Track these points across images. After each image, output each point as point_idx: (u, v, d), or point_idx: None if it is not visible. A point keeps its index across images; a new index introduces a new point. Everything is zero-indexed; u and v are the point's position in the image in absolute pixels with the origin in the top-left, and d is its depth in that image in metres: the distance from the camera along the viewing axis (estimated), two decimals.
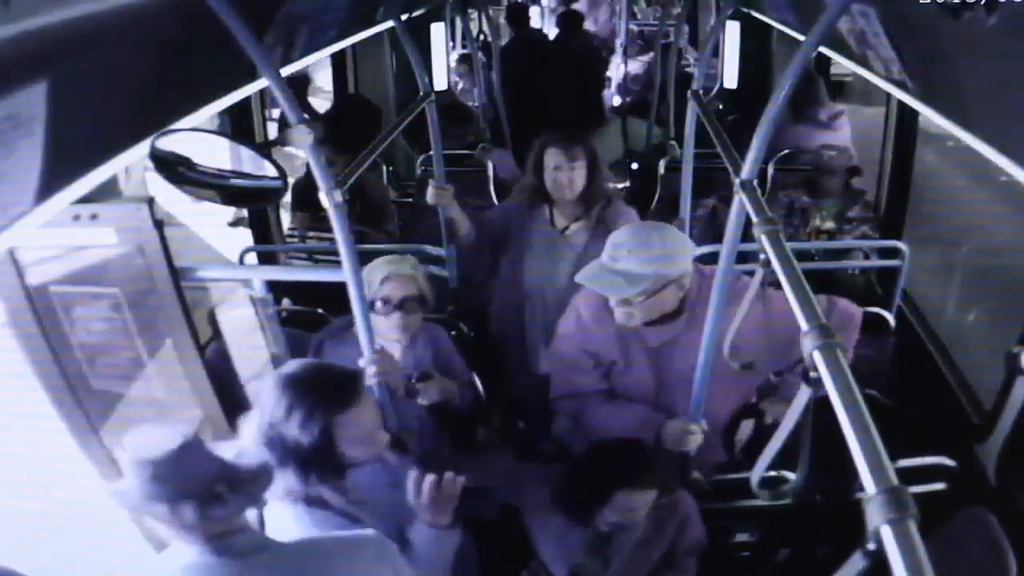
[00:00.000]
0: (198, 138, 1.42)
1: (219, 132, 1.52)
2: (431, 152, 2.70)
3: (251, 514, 1.34)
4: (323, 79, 8.46)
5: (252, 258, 3.16)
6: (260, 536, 1.30)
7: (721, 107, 4.83)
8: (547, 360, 2.23)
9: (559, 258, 2.67)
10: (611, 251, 1.90)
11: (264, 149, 1.49)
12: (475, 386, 2.43)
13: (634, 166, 4.85)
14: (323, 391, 1.52)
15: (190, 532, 1.19)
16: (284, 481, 1.48)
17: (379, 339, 2.26)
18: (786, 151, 3.93)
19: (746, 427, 2.15)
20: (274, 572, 1.24)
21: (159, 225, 1.82)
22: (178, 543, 1.23)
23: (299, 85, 5.23)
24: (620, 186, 5.28)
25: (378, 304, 2.15)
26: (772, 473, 1.45)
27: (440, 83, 5.02)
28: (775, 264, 1.19)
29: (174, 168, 1.42)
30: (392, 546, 1.45)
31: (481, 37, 5.44)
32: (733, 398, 2.10)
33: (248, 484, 1.22)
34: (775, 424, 2.14)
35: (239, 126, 3.29)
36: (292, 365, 1.57)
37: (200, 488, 1.16)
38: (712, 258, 2.28)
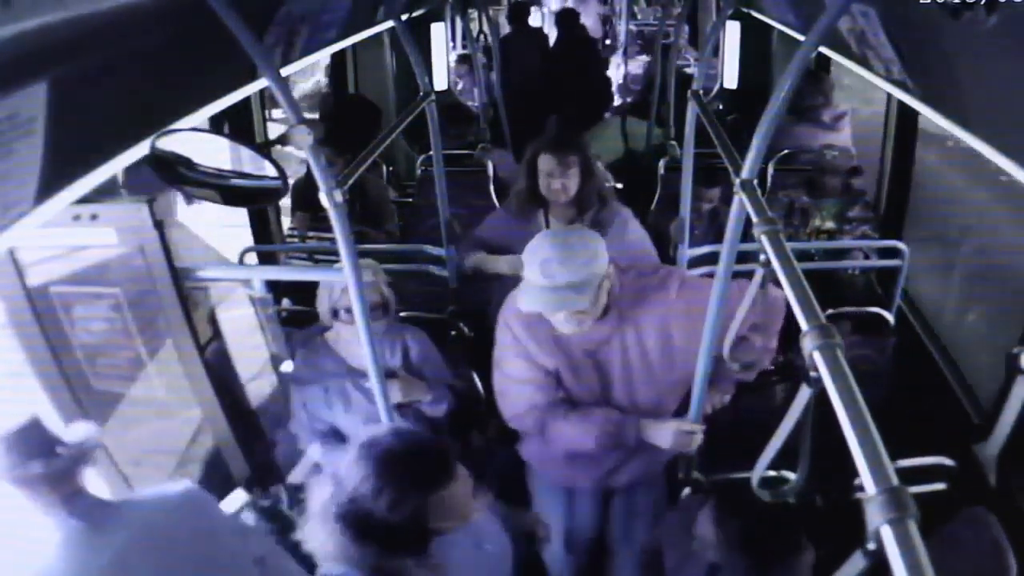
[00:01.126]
0: (198, 138, 1.42)
1: (219, 132, 1.52)
2: (431, 152, 2.70)
3: None
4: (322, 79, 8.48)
5: (252, 258, 3.16)
6: (107, 502, 1.53)
7: (721, 107, 4.83)
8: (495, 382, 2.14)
9: None
10: (540, 270, 1.82)
11: (264, 149, 1.49)
12: (457, 389, 2.42)
13: (634, 166, 4.85)
14: (418, 472, 1.42)
15: (44, 495, 1.42)
16: (359, 551, 1.41)
17: (342, 342, 2.27)
18: (786, 151, 3.93)
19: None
20: (126, 532, 1.49)
21: (159, 225, 1.82)
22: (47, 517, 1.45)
23: None
24: (618, 185, 5.29)
25: (342, 313, 2.16)
26: (772, 473, 1.45)
27: (440, 83, 5.02)
28: (775, 264, 1.19)
29: (174, 168, 1.42)
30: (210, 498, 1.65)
31: (481, 37, 5.45)
32: (674, 391, 2.09)
33: (76, 447, 1.46)
34: (716, 414, 2.17)
35: (239, 126, 3.29)
36: (381, 439, 1.44)
37: (39, 451, 1.41)
38: (712, 258, 2.28)
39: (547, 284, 1.83)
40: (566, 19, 6.49)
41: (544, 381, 2.04)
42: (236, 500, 2.20)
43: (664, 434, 1.97)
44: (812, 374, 0.99)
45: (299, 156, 4.16)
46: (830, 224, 3.29)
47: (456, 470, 1.46)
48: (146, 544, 1.51)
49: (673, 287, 1.97)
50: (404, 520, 1.39)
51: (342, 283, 2.10)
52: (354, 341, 2.19)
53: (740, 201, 1.42)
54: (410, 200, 4.16)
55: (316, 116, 4.64)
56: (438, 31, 4.94)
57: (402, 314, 2.87)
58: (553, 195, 2.63)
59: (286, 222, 3.65)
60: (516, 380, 2.06)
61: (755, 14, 3.37)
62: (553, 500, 2.30)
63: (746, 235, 1.41)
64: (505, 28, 6.86)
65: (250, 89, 1.74)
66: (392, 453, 1.42)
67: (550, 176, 2.60)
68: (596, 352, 2.01)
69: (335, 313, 2.19)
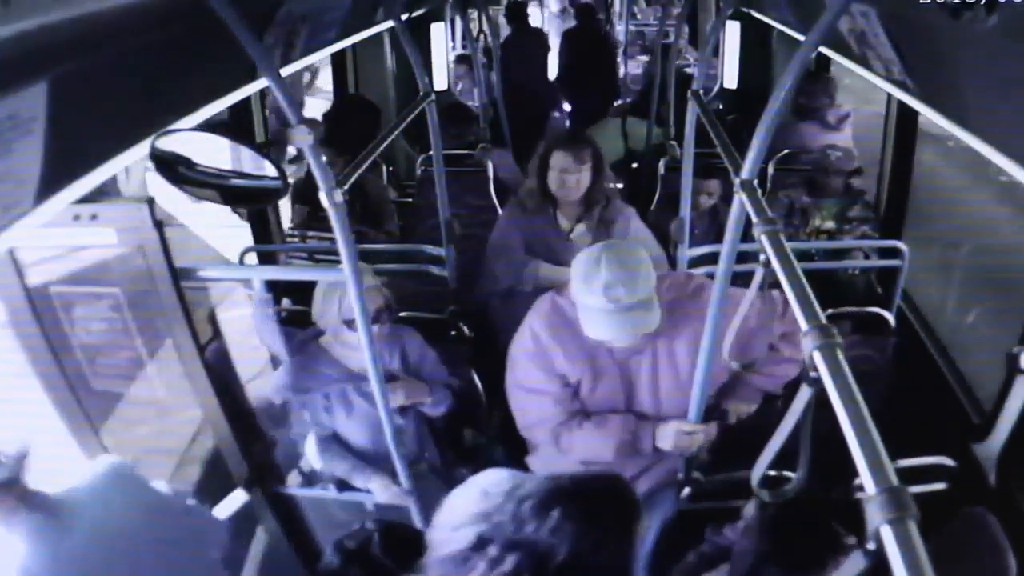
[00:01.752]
0: (198, 138, 1.42)
1: (219, 132, 1.52)
2: (431, 152, 2.70)
3: None
4: (323, 79, 8.49)
5: (252, 258, 3.16)
6: (54, 495, 1.69)
7: (721, 107, 4.83)
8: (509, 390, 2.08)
9: (566, 261, 2.65)
10: (606, 296, 1.75)
11: (264, 149, 1.49)
12: (454, 387, 2.42)
13: (634, 166, 4.85)
14: (626, 513, 1.26)
15: (2, 501, 1.57)
16: None
17: (338, 346, 2.26)
18: (786, 151, 3.93)
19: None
20: (86, 513, 1.68)
21: (159, 225, 1.82)
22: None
23: None
24: (619, 186, 5.29)
25: (353, 324, 2.13)
26: (772, 473, 1.45)
27: (440, 83, 5.02)
28: (775, 264, 1.19)
29: (174, 168, 1.42)
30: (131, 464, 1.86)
31: (481, 37, 5.45)
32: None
33: (14, 454, 1.61)
34: (741, 424, 2.17)
35: (239, 126, 3.29)
36: (568, 488, 1.22)
37: None
38: (712, 258, 2.28)
39: (613, 308, 1.77)
40: (584, 12, 6.84)
41: (562, 394, 1.99)
42: (236, 500, 2.21)
43: (666, 435, 1.97)
44: (812, 374, 0.99)
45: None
46: (830, 224, 3.29)
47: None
48: (108, 518, 1.72)
49: (706, 298, 1.96)
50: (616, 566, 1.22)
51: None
52: (352, 345, 2.18)
53: (740, 201, 1.42)
54: (410, 200, 4.16)
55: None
56: (438, 31, 4.94)
57: (402, 314, 2.87)
58: (564, 192, 2.65)
59: (286, 220, 3.65)
60: (532, 391, 2.01)
61: (755, 14, 3.37)
62: None
63: (746, 235, 1.40)
64: (504, 29, 6.88)
65: (250, 89, 1.74)
66: (596, 502, 1.24)
67: (564, 172, 2.61)
68: (627, 361, 1.99)
69: (348, 323, 2.14)
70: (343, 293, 2.09)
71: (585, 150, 2.63)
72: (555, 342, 1.96)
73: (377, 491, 2.22)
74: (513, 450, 2.64)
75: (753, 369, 2.06)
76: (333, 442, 2.30)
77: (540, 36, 6.79)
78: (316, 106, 7.72)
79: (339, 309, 2.14)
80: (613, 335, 1.83)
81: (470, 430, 2.61)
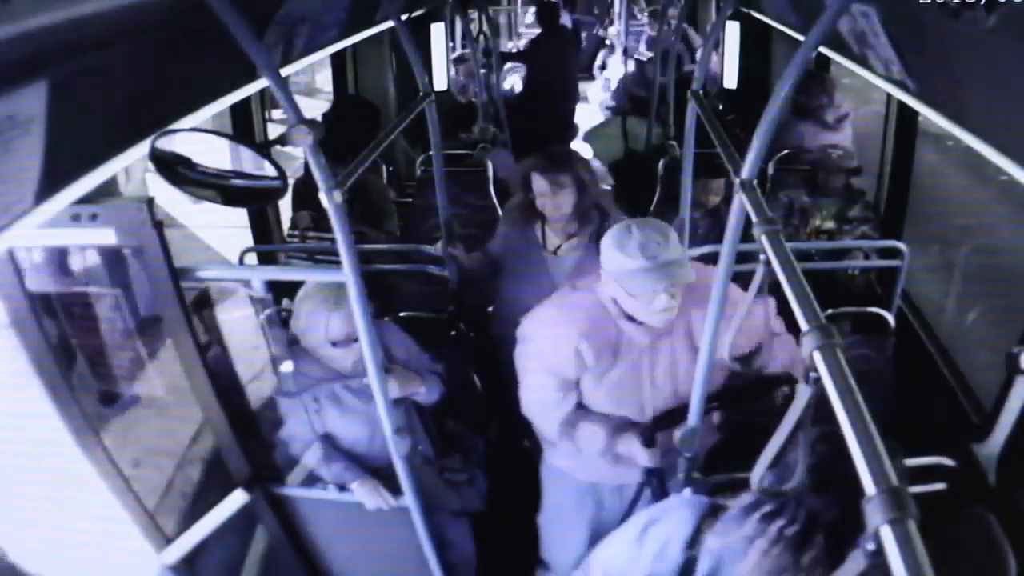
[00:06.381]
0: (198, 138, 1.42)
1: (219, 132, 1.52)
2: (431, 152, 2.70)
3: None
4: (323, 79, 8.49)
5: (252, 258, 3.16)
6: None
7: (721, 107, 4.83)
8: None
9: (553, 278, 2.65)
10: (642, 252, 1.85)
11: (264, 149, 1.49)
12: (440, 373, 2.42)
13: (634, 166, 4.85)
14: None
15: None
16: None
17: (323, 350, 2.23)
18: (786, 151, 3.93)
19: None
20: None
21: (159, 225, 1.82)
22: None
23: None
24: (608, 187, 5.29)
25: (340, 343, 2.15)
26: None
27: (440, 83, 5.02)
28: (775, 264, 1.19)
29: (174, 168, 1.42)
30: None
31: (481, 37, 5.45)
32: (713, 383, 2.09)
33: None
34: (741, 424, 2.16)
35: (239, 126, 3.29)
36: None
37: None
38: (712, 258, 2.28)
39: (651, 264, 1.85)
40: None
41: (562, 400, 2.08)
42: (236, 500, 2.20)
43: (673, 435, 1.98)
44: (812, 374, 0.99)
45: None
46: (830, 224, 3.29)
47: None
48: None
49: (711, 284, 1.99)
50: None
51: (335, 313, 2.11)
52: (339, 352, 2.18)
53: (740, 201, 1.42)
54: (410, 200, 4.16)
55: None
56: (438, 31, 4.94)
57: (402, 314, 2.87)
58: (548, 212, 2.62)
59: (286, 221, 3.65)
60: (535, 388, 2.11)
61: (755, 14, 3.37)
62: (580, 504, 2.30)
63: (746, 235, 1.41)
64: (505, 29, 6.87)
65: (250, 89, 1.74)
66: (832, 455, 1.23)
67: (543, 196, 2.59)
68: (647, 350, 2.03)
69: (335, 344, 2.16)
70: (331, 309, 2.11)
71: (563, 175, 2.55)
72: (577, 334, 2.00)
73: (360, 495, 2.22)
74: (512, 451, 2.64)
75: (750, 369, 2.06)
76: (327, 444, 2.30)
77: (569, 35, 6.76)
78: (316, 106, 7.72)
79: (326, 330, 2.13)
80: (648, 287, 1.87)
81: (451, 419, 2.60)
